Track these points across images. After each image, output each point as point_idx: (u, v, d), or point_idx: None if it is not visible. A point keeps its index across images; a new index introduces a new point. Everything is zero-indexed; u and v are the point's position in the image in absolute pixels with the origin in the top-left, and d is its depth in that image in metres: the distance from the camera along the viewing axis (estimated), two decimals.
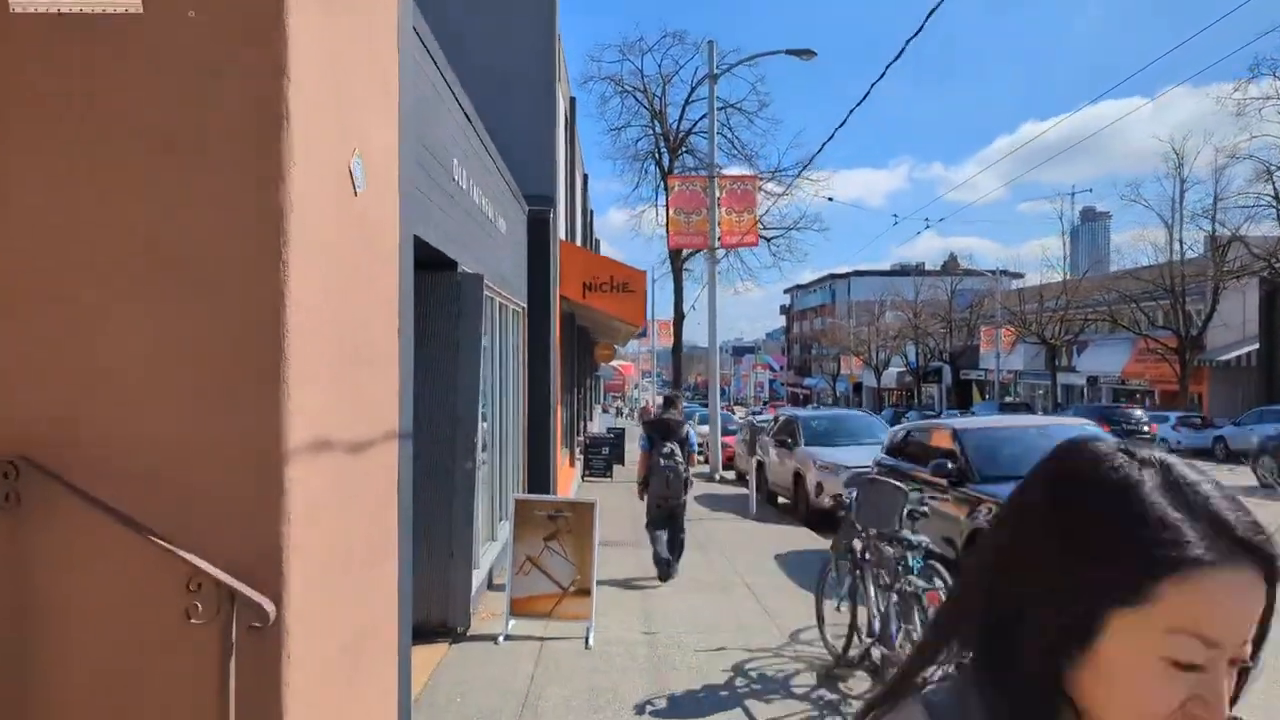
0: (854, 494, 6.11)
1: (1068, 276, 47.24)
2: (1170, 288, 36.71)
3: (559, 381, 12.40)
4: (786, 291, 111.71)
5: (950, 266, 68.91)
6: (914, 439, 10.31)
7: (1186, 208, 37.53)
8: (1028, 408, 48.80)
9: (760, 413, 47.90)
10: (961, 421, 9.28)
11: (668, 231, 22.20)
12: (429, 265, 6.26)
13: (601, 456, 19.91)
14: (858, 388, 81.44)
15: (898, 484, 5.70)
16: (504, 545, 8.19)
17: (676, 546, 9.16)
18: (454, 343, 6.26)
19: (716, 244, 20.63)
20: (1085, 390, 50.02)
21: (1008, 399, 53.21)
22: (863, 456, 13.89)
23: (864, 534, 5.86)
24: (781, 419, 17.07)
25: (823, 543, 11.72)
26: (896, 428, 11.28)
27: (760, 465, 17.18)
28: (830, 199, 24.16)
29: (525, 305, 11.42)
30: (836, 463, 13.67)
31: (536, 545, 6.62)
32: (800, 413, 16.45)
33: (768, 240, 27.73)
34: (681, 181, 20.87)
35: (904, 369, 70.09)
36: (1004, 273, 58.21)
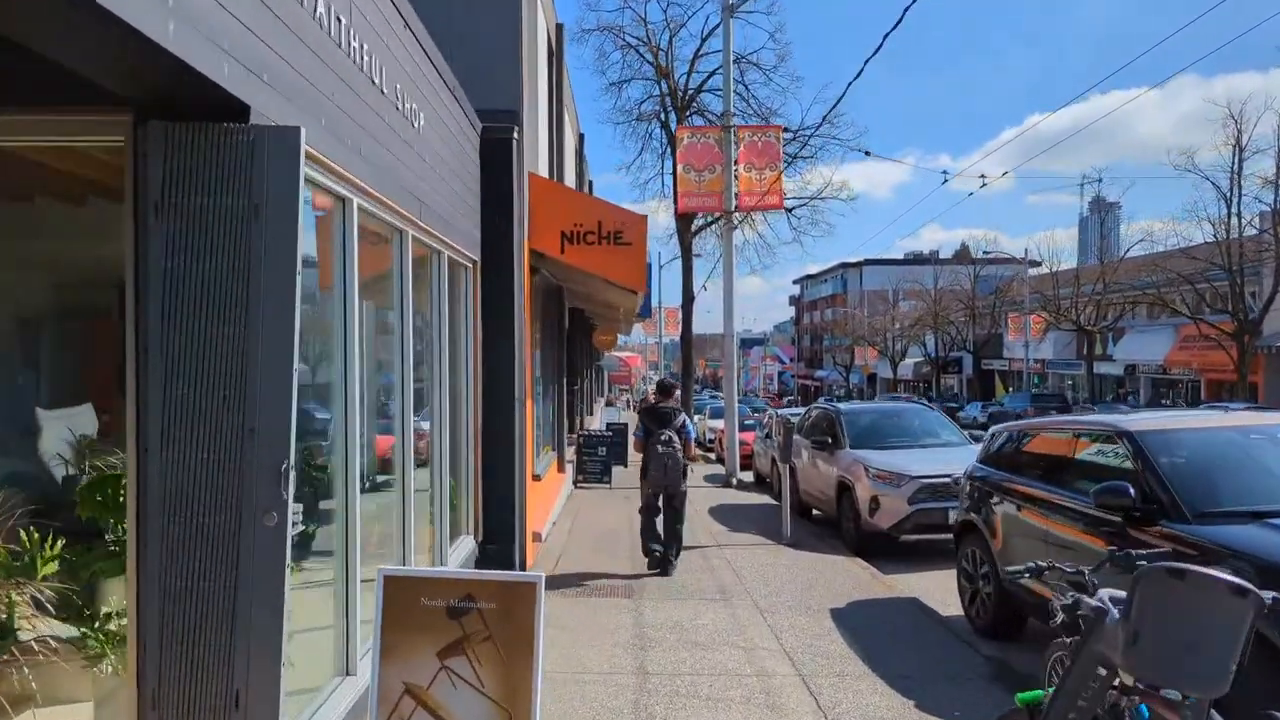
0: (1107, 600, 2.87)
1: (1104, 259, 43.67)
2: (1228, 266, 33.26)
3: (528, 364, 9.21)
4: (795, 282, 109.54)
5: (963, 255, 65.57)
6: (1031, 444, 7.07)
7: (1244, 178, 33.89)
8: (1061, 399, 45.49)
9: (764, 407, 44.64)
10: (1136, 420, 6.02)
11: (675, 194, 18.98)
12: (160, 107, 3.04)
13: (597, 458, 16.71)
14: (871, 379, 78.72)
15: (1236, 582, 2.50)
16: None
17: (674, 539, 8.89)
18: (242, 272, 3.06)
19: (733, 206, 17.38)
20: (1124, 380, 46.63)
21: (1034, 390, 49.94)
22: (932, 463, 10.69)
23: (1142, 689, 2.66)
24: (816, 413, 13.83)
25: (891, 587, 8.50)
26: (999, 427, 8.02)
27: (791, 470, 14.00)
28: (867, 153, 20.77)
29: (477, 259, 8.21)
30: (898, 471, 10.43)
31: (425, 666, 3.45)
32: (842, 406, 13.21)
33: (788, 211, 24.41)
34: (691, 133, 17.60)
35: (922, 359, 66.97)
36: (1029, 261, 54.75)
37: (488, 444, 8.33)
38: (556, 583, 8.29)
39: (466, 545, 7.90)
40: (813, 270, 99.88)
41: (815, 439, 12.57)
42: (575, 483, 16.46)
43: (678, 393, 9.87)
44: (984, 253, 55.27)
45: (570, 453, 16.85)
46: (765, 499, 15.72)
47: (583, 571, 8.91)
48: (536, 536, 10.35)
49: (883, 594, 8.13)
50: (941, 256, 76.04)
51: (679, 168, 17.28)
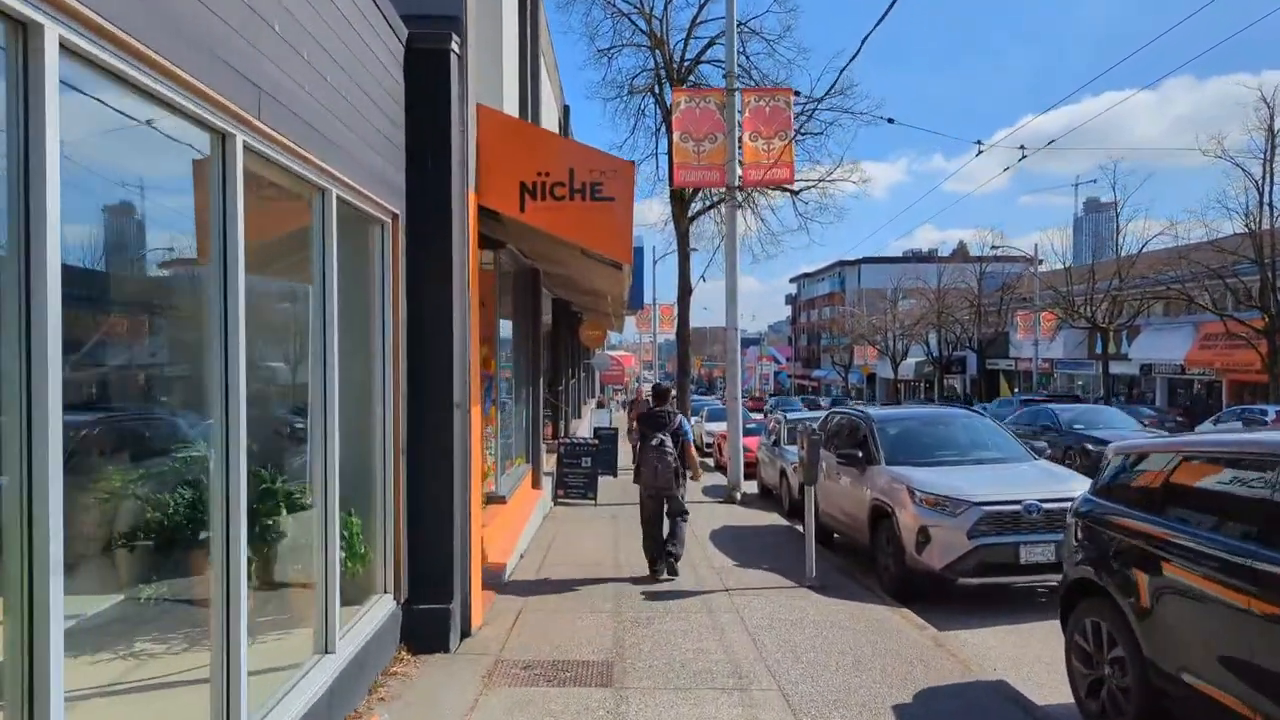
0: None
1: (1121, 253, 41.44)
2: (1259, 258, 31.19)
3: (476, 357, 6.96)
4: (792, 280, 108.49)
5: (961, 253, 63.50)
6: (1185, 474, 4.85)
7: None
8: (1076, 401, 43.37)
9: (794, 408, 42.53)
10: None
11: (670, 166, 16.78)
12: None
13: (580, 471, 14.46)
14: (871, 379, 76.96)
15: None
16: None
17: (677, 537, 8.80)
18: None
19: (737, 181, 15.16)
20: (1140, 380, 44.53)
21: (1043, 391, 47.81)
22: (994, 484, 8.51)
23: None
24: (838, 419, 11.60)
25: (964, 663, 6.27)
26: (1121, 444, 5.81)
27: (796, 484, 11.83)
28: (890, 120, 18.50)
29: (399, 213, 5.98)
30: (953, 495, 8.22)
31: None
32: (872, 411, 10.92)
33: (794, 194, 22.16)
34: (690, 97, 15.37)
35: (924, 359, 65.01)
36: (1034, 259, 52.71)
37: (415, 466, 6.10)
38: (508, 660, 6.06)
39: (380, 610, 5.67)
40: (809, 269, 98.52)
41: (840, 451, 10.33)
42: (555, 498, 14.23)
43: (673, 394, 10.18)
44: (991, 249, 53.12)
45: (551, 462, 14.65)
46: (775, 518, 13.51)
47: (547, 634, 6.69)
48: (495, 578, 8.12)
49: (955, 675, 5.90)
50: (941, 255, 74.17)
51: (675, 136, 15.06)
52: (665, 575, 8.64)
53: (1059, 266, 47.09)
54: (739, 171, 14.95)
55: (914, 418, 10.81)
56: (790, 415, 17.04)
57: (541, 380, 13.24)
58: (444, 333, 6.18)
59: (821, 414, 13.52)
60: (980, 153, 14.95)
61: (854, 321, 72.07)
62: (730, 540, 11.22)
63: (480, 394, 9.62)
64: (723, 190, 15.75)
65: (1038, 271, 48.16)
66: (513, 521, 9.94)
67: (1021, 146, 15.03)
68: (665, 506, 8.78)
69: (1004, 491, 8.29)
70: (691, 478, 8.97)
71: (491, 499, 9.48)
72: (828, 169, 22.84)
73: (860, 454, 9.84)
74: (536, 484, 12.74)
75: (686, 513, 8.92)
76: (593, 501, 14.29)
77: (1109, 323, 41.23)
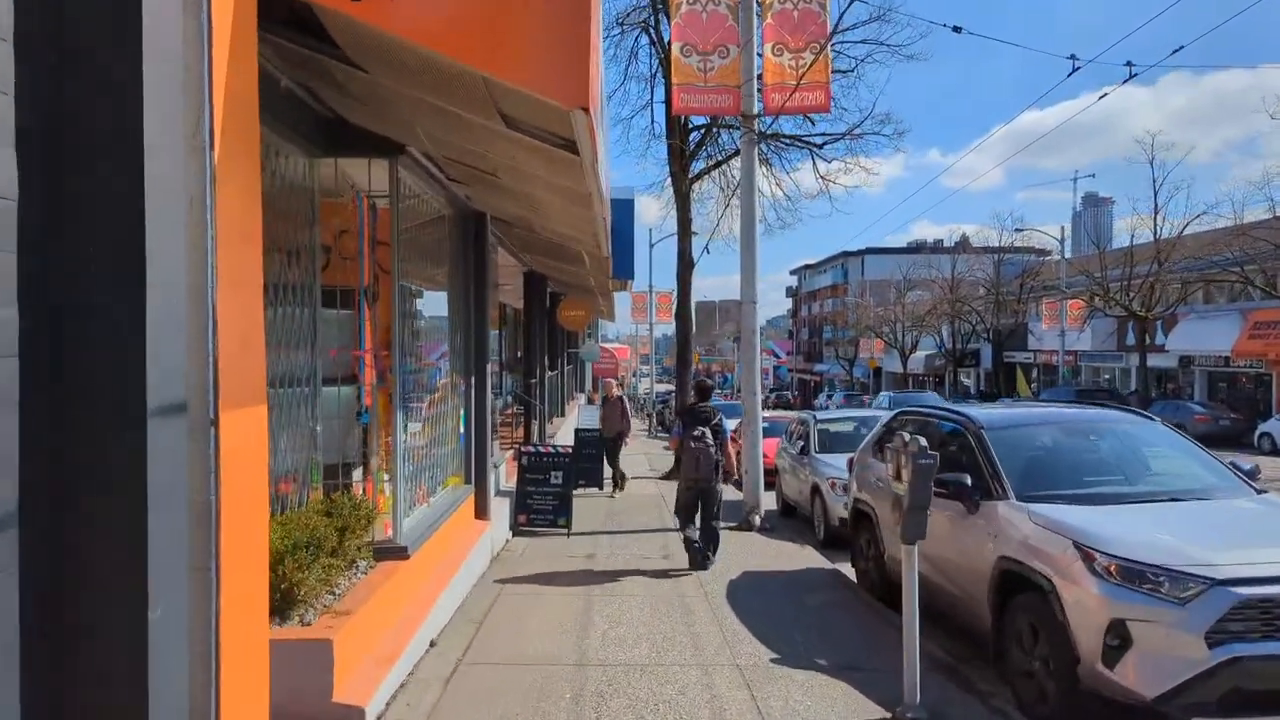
0: None
1: (1159, 235, 37.62)
2: None
3: (248, 300, 3.30)
4: (793, 272, 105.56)
5: (963, 246, 60.14)
6: None
7: None
8: (1112, 394, 39.78)
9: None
10: None
11: (667, 88, 13.17)
12: None
13: (548, 490, 10.78)
14: (877, 373, 73.66)
15: None
16: None
17: (710, 535, 8.85)
18: None
19: (757, 110, 11.53)
20: (1178, 374, 40.93)
21: (1075, 386, 44.22)
22: (1231, 540, 4.93)
23: None
24: (911, 419, 7.95)
25: None
26: None
27: (865, 522, 8.30)
28: (957, 29, 14.73)
29: None
30: (1178, 566, 4.58)
31: None
32: (976, 413, 6.97)
33: (816, 149, 18.48)
34: None
35: (934, 351, 61.57)
36: (1049, 251, 49.32)
37: (40, 563, 2.46)
38: None
39: None
40: (811, 260, 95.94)
41: (941, 480, 6.67)
42: (514, 526, 10.60)
43: (714, 390, 10.39)
44: (1015, 230, 49.43)
45: (518, 473, 11.02)
46: (810, 554, 9.91)
47: None
48: (353, 719, 4.50)
49: None
50: (946, 247, 71.00)
51: (674, 49, 11.39)
52: (698, 570, 8.69)
53: (1081, 253, 43.57)
54: (760, 87, 11.29)
55: (1046, 422, 6.97)
56: (820, 417, 13.48)
57: (489, 370, 9.60)
58: (128, 240, 2.53)
59: (879, 414, 9.88)
60: (1076, 69, 11.39)
61: (860, 313, 68.65)
62: (755, 601, 7.61)
63: (366, 383, 6.00)
64: (737, 123, 12.09)
65: (1063, 256, 44.57)
66: (419, 587, 6.30)
67: (1129, 63, 11.40)
68: (701, 503, 8.79)
69: (1260, 556, 4.69)
70: (727, 472, 9.05)
71: (383, 553, 5.88)
72: (858, 117, 19.08)
73: (970, 481, 6.19)
74: (482, 512, 9.11)
75: (716, 509, 8.90)
76: (565, 531, 10.65)
77: (1148, 310, 37.46)
